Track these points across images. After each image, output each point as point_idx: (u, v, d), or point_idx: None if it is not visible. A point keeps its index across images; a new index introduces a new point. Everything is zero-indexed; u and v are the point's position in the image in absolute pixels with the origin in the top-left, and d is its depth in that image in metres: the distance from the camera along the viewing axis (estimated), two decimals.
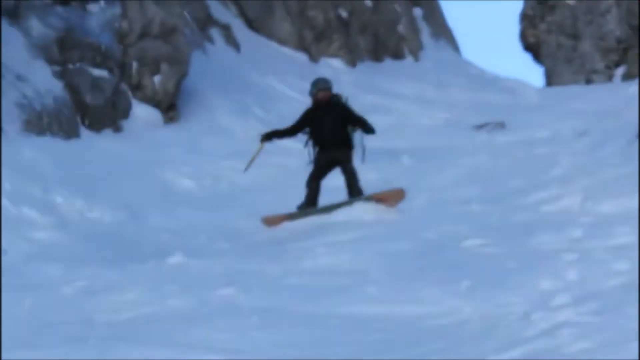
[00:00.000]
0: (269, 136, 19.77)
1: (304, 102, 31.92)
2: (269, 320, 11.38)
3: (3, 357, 5.34)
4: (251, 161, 19.69)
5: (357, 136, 19.15)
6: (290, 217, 17.91)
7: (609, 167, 18.87)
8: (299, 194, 21.24)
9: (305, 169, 24.72)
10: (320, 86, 19.27)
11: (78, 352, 10.53)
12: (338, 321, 11.15)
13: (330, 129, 18.35)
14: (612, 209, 15.10)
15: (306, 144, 19.06)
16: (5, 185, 17.59)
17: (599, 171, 18.78)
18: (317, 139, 18.66)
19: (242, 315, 11.72)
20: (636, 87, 30.10)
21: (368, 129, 18.81)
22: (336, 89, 32.38)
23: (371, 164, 24.00)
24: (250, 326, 11.11)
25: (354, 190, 18.27)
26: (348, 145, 18.44)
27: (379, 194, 17.91)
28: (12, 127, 20.50)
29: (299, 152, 26.99)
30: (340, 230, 16.00)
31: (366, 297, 12.06)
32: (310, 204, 18.27)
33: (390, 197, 17.50)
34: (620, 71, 48.44)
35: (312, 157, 18.94)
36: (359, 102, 34.95)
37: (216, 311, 12.05)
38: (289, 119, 30.88)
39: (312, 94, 19.15)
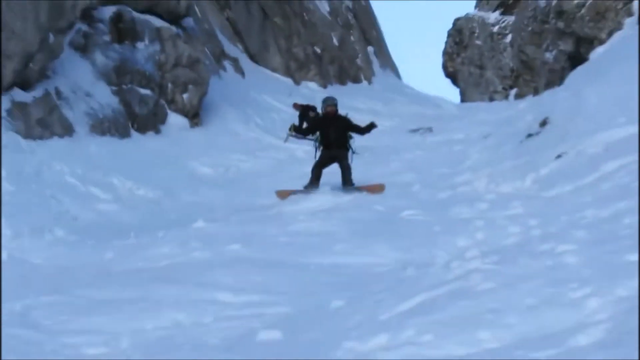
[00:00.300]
0: (295, 128, 19.86)
1: (290, 113, 32.01)
2: (264, 268, 11.39)
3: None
4: (286, 138, 20.81)
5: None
6: (295, 192, 17.83)
7: (505, 160, 18.87)
8: (287, 178, 21.21)
9: (291, 161, 24.78)
10: (329, 103, 19.34)
11: (128, 290, 10.54)
12: (314, 268, 11.17)
13: (334, 135, 18.55)
14: (508, 190, 15.14)
15: (315, 142, 19.16)
16: (77, 170, 17.61)
17: (498, 163, 18.78)
18: (323, 141, 18.78)
19: (245, 264, 11.73)
20: (524, 104, 30.04)
21: (362, 133, 19.13)
22: (312, 105, 32.64)
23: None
24: (251, 271, 11.12)
25: (348, 182, 18.24)
26: (346, 147, 18.65)
27: (366, 186, 17.83)
28: (82, 129, 20.40)
29: (285, 150, 27.00)
30: (318, 204, 15.98)
31: (334, 251, 12.07)
32: (312, 184, 18.26)
33: (375, 189, 17.43)
34: (513, 92, 48.40)
35: (317, 151, 19.05)
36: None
37: (227, 261, 12.05)
38: (279, 125, 30.95)
39: (322, 108, 19.37)
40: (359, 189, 17.83)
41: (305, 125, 31.50)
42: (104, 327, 8.93)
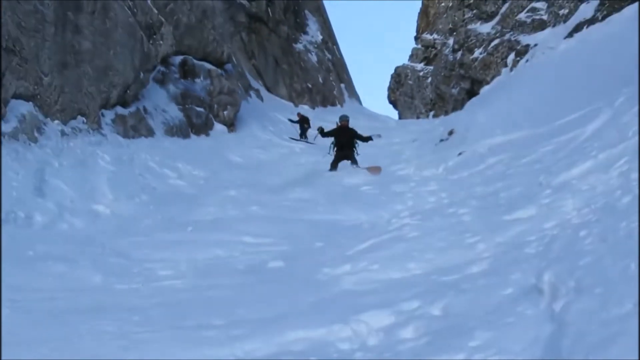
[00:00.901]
0: (321, 132, 19.19)
1: (288, 124, 32.13)
2: (273, 221, 11.33)
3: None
4: (314, 139, 20.54)
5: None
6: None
7: (426, 155, 18.84)
8: (289, 165, 21.20)
9: (291, 154, 24.80)
10: (343, 118, 19.16)
11: (186, 234, 10.52)
12: (304, 222, 11.10)
13: (345, 140, 18.47)
14: (428, 174, 15.05)
15: (330, 145, 18.99)
16: (155, 158, 17.55)
17: (422, 157, 18.74)
18: (338, 145, 18.60)
19: (260, 219, 11.67)
20: (438, 121, 30.01)
21: (364, 141, 18.74)
22: (307, 117, 32.67)
23: (324, 152, 23.90)
24: (264, 224, 11.07)
25: (354, 163, 18.30)
26: (353, 150, 18.49)
27: (370, 167, 17.37)
28: (159, 132, 20.29)
29: (288, 147, 26.98)
30: (309, 182, 15.92)
31: (317, 212, 12.00)
32: (332, 168, 18.25)
33: (375, 170, 17.02)
34: (431, 113, 48.40)
35: (331, 152, 18.86)
36: (317, 125, 34.96)
37: (249, 217, 11.99)
38: (284, 131, 30.97)
39: (339, 121, 19.19)
40: (364, 169, 17.47)
41: (300, 129, 32.05)
42: (171, 257, 8.89)
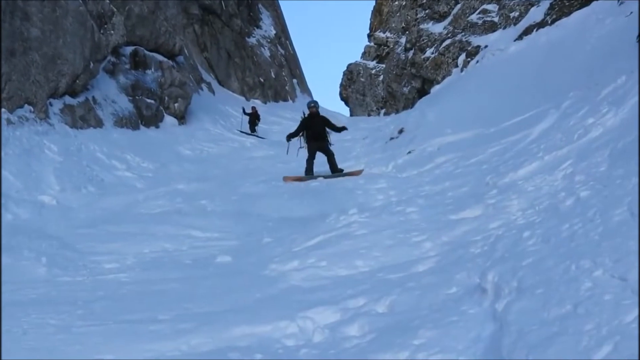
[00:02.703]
0: (289, 137, 17.34)
1: (239, 118, 31.89)
2: (222, 215, 11.34)
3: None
4: (287, 149, 17.59)
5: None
6: (300, 179, 15.86)
7: (376, 153, 18.92)
8: (239, 159, 21.14)
9: (242, 148, 24.72)
10: (312, 105, 17.59)
11: (134, 227, 10.47)
12: (253, 217, 11.13)
13: (318, 129, 16.92)
14: (377, 172, 15.13)
15: (301, 137, 17.17)
16: (104, 149, 17.37)
17: (372, 155, 18.82)
18: (310, 136, 16.94)
19: (209, 213, 11.66)
20: (389, 119, 30.13)
21: (337, 131, 17.18)
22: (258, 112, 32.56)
23: (275, 147, 23.85)
24: (213, 218, 11.10)
25: (335, 169, 16.55)
26: (326, 139, 16.86)
27: (350, 172, 15.85)
28: (108, 123, 19.99)
29: (239, 141, 26.89)
30: (258, 177, 15.85)
31: (266, 207, 12.04)
32: (309, 172, 16.41)
33: (356, 173, 15.40)
34: (382, 111, 48.54)
35: (303, 145, 17.21)
36: (268, 120, 34.88)
37: (198, 210, 11.96)
38: (234, 125, 30.82)
39: (307, 108, 17.65)
40: (344, 174, 16.01)
41: (251, 123, 31.85)
42: (117, 250, 8.83)
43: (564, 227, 4.95)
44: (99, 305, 5.94)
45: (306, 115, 17.56)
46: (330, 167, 16.66)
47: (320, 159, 16.54)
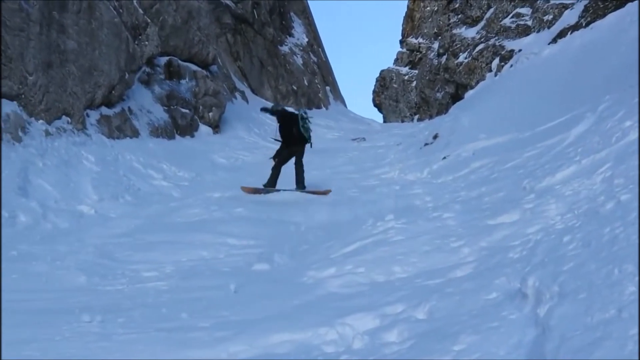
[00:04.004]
0: (263, 109, 17.43)
1: (275, 125, 31.90)
2: (257, 223, 11.36)
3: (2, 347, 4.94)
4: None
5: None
6: (257, 190, 14.85)
7: (410, 159, 18.87)
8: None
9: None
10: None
11: (171, 235, 10.48)
12: (289, 225, 11.14)
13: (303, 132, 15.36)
14: (412, 178, 15.11)
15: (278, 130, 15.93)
16: (140, 159, 17.53)
17: (406, 161, 18.77)
18: (293, 135, 15.45)
19: (245, 220, 11.69)
20: (423, 124, 30.10)
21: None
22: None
23: (308, 154, 23.91)
24: (249, 225, 11.11)
25: (301, 185, 15.06)
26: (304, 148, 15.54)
27: (315, 191, 14.60)
28: (144, 133, 20.20)
29: (273, 149, 26.95)
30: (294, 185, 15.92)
31: (302, 214, 12.08)
32: (272, 183, 15.12)
33: (324, 193, 14.27)
34: (416, 117, 48.42)
35: (278, 138, 16.10)
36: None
37: (234, 218, 11.98)
38: (270, 133, 30.85)
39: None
40: (310, 192, 14.75)
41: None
42: (155, 259, 8.89)
43: (605, 231, 4.88)
44: (138, 313, 5.99)
45: (302, 113, 16.25)
46: (298, 181, 15.35)
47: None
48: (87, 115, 17.37)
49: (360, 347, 4.58)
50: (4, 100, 13.68)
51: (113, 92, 19.06)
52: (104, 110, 18.56)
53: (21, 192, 11.70)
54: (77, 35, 16.99)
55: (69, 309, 6.19)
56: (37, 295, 6.77)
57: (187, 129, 24.10)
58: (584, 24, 21.16)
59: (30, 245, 9.34)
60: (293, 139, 15.59)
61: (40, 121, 14.75)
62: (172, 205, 14.06)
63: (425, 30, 56.76)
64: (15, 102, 14.06)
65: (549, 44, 22.89)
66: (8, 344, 4.95)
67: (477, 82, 29.97)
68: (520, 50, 26.39)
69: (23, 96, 14.39)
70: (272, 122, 32.62)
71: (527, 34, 28.25)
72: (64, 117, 15.85)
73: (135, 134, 19.78)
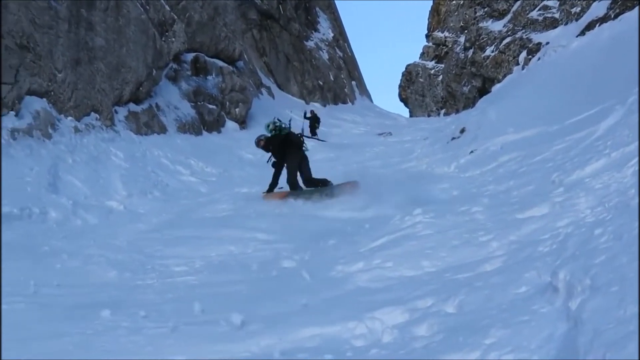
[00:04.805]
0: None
1: (302, 121, 31.92)
2: (285, 218, 11.41)
3: None
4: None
5: None
6: (282, 195, 13.71)
7: (437, 153, 18.81)
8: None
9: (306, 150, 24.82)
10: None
11: (199, 231, 10.54)
12: (317, 219, 11.17)
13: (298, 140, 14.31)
14: (440, 172, 15.06)
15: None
16: (168, 154, 17.70)
17: (433, 155, 18.71)
18: (295, 145, 14.22)
19: (272, 215, 11.74)
20: (450, 119, 29.98)
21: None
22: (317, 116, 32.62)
23: (335, 150, 23.89)
24: (276, 220, 11.18)
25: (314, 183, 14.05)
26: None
27: (342, 184, 13.63)
28: (172, 129, 20.39)
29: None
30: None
31: (330, 208, 12.11)
32: (296, 186, 14.00)
33: (348, 186, 13.22)
34: (442, 111, 48.26)
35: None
36: (328, 122, 34.92)
37: (262, 214, 12.03)
38: (296, 129, 30.87)
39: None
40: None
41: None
42: (184, 254, 8.94)
43: (636, 224, 4.82)
44: (169, 307, 6.03)
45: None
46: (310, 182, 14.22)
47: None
48: (116, 111, 17.52)
49: (390, 340, 4.57)
50: (34, 98, 13.82)
51: (141, 88, 19.20)
52: (132, 106, 18.72)
53: (51, 188, 11.83)
54: (104, 33, 17.12)
55: (100, 304, 6.24)
56: (68, 290, 6.84)
57: (214, 125, 24.22)
58: (612, 16, 20.95)
59: (61, 240, 9.44)
60: (291, 154, 14.28)
61: (70, 118, 14.90)
62: (200, 200, 14.15)
63: (452, 24, 56.52)
64: (44, 99, 14.21)
65: (577, 36, 22.69)
66: (40, 337, 5.01)
67: (504, 76, 29.81)
68: (547, 43, 26.20)
69: (52, 93, 14.53)
70: (298, 118, 32.77)
71: (555, 27, 28.04)
72: (92, 113, 16.01)
73: (162, 130, 19.93)
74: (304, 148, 14.52)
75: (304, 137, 15.05)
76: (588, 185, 7.48)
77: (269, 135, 14.58)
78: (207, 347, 4.74)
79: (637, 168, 6.95)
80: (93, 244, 9.41)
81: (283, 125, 14.74)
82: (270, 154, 14.59)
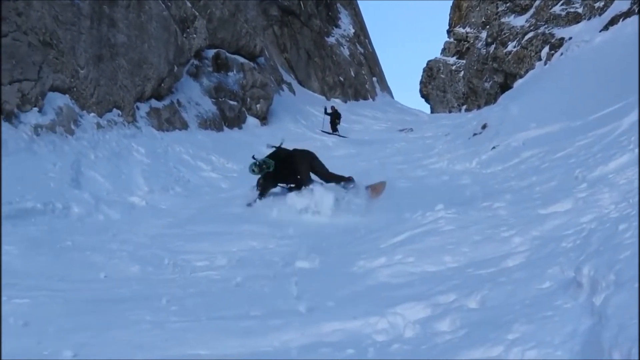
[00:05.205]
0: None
1: (322, 117, 31.87)
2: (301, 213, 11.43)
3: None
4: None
5: None
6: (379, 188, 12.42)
7: (459, 149, 18.75)
8: (325, 159, 21.11)
9: (324, 147, 24.80)
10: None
11: (221, 226, 10.60)
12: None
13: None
14: (461, 168, 15.04)
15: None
16: (189, 150, 17.76)
17: (455, 151, 18.65)
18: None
19: (293, 212, 11.72)
20: (471, 115, 29.86)
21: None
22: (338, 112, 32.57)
23: (356, 146, 23.87)
24: (294, 216, 11.20)
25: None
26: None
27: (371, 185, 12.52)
28: (193, 125, 20.47)
29: (320, 140, 27.01)
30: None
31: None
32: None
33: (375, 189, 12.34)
34: (464, 107, 48.04)
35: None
36: (349, 119, 34.87)
37: (280, 210, 12.01)
38: (317, 125, 30.92)
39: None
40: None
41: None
42: (206, 249, 8.99)
43: None
44: (191, 302, 6.06)
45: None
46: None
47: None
48: (137, 107, 17.60)
49: (412, 336, 4.56)
50: (56, 94, 13.91)
51: (162, 84, 19.28)
52: (154, 102, 18.80)
53: (74, 183, 11.90)
54: (126, 29, 17.20)
55: (122, 298, 6.29)
56: (91, 285, 6.89)
57: (235, 121, 24.27)
58: (636, 11, 20.75)
59: (84, 235, 9.50)
60: (295, 163, 12.99)
61: (92, 114, 14.99)
62: (221, 196, 14.19)
63: (473, 20, 56.24)
64: (67, 96, 14.30)
65: (600, 31, 22.52)
66: (63, 332, 5.05)
67: (527, 71, 29.64)
68: (570, 38, 26.01)
69: (75, 89, 14.62)
70: (319, 114, 32.77)
71: (578, 22, 27.84)
72: (114, 109, 16.09)
73: (184, 126, 19.99)
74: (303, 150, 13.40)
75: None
76: (612, 181, 7.43)
77: (259, 175, 13.26)
78: (229, 342, 4.75)
79: None
80: (115, 239, 9.47)
81: (265, 162, 13.16)
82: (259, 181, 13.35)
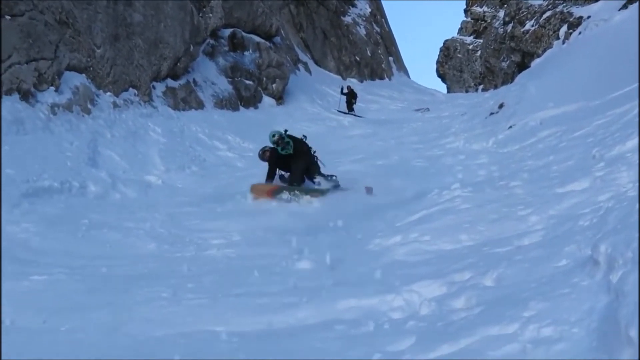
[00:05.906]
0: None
1: (338, 97, 31.75)
2: (329, 192, 11.42)
3: None
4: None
5: None
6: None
7: (475, 129, 18.65)
8: (338, 137, 21.13)
9: (340, 127, 24.79)
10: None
11: (237, 205, 10.67)
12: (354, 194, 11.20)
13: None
14: (478, 148, 14.96)
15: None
16: (205, 130, 17.79)
17: (471, 130, 18.56)
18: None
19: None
20: (488, 94, 29.67)
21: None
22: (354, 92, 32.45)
23: (372, 125, 23.83)
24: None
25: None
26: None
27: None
28: (209, 105, 20.48)
29: (336, 120, 26.95)
30: (358, 155, 15.87)
31: (367, 184, 12.03)
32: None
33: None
34: (480, 87, 47.72)
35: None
36: (365, 98, 34.76)
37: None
38: (332, 104, 30.83)
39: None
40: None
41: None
42: (222, 227, 9.03)
43: None
44: (208, 279, 6.09)
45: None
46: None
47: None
48: (153, 87, 17.63)
49: (427, 313, 4.56)
50: (73, 73, 13.95)
51: (178, 64, 19.28)
52: (170, 82, 18.81)
53: (91, 162, 11.98)
54: (143, 9, 17.20)
55: (139, 275, 6.33)
56: (109, 262, 6.94)
57: (251, 101, 24.25)
58: None
59: (101, 214, 9.56)
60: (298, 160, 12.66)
61: (108, 93, 15.03)
62: (237, 175, 14.22)
63: None
64: (83, 75, 14.34)
65: (619, 10, 22.23)
66: (83, 308, 5.10)
67: (544, 50, 29.33)
68: (589, 17, 25.69)
69: (91, 69, 14.65)
70: (335, 94, 32.65)
71: (596, 0, 27.48)
72: (130, 89, 16.12)
73: (200, 105, 20.01)
74: (314, 156, 13.02)
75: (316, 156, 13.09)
76: (630, 160, 7.36)
77: (273, 142, 12.89)
78: (246, 319, 4.78)
79: None
80: (132, 217, 9.52)
81: (287, 140, 12.87)
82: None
